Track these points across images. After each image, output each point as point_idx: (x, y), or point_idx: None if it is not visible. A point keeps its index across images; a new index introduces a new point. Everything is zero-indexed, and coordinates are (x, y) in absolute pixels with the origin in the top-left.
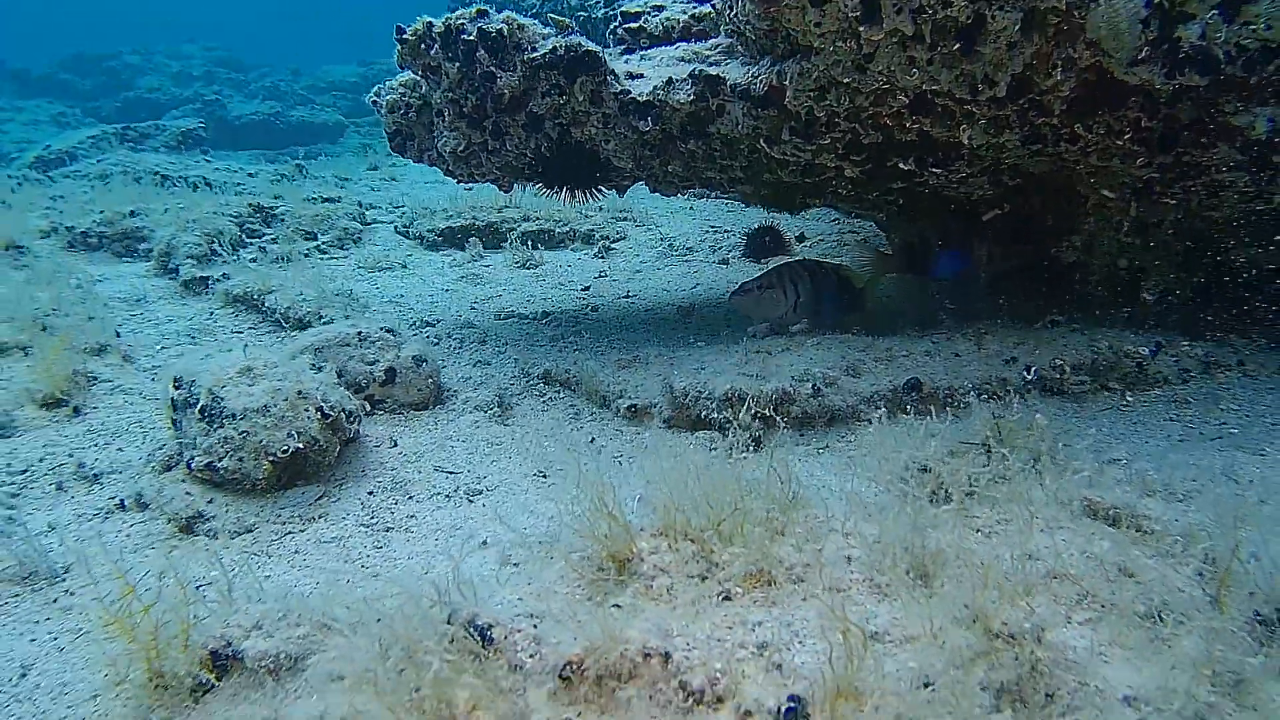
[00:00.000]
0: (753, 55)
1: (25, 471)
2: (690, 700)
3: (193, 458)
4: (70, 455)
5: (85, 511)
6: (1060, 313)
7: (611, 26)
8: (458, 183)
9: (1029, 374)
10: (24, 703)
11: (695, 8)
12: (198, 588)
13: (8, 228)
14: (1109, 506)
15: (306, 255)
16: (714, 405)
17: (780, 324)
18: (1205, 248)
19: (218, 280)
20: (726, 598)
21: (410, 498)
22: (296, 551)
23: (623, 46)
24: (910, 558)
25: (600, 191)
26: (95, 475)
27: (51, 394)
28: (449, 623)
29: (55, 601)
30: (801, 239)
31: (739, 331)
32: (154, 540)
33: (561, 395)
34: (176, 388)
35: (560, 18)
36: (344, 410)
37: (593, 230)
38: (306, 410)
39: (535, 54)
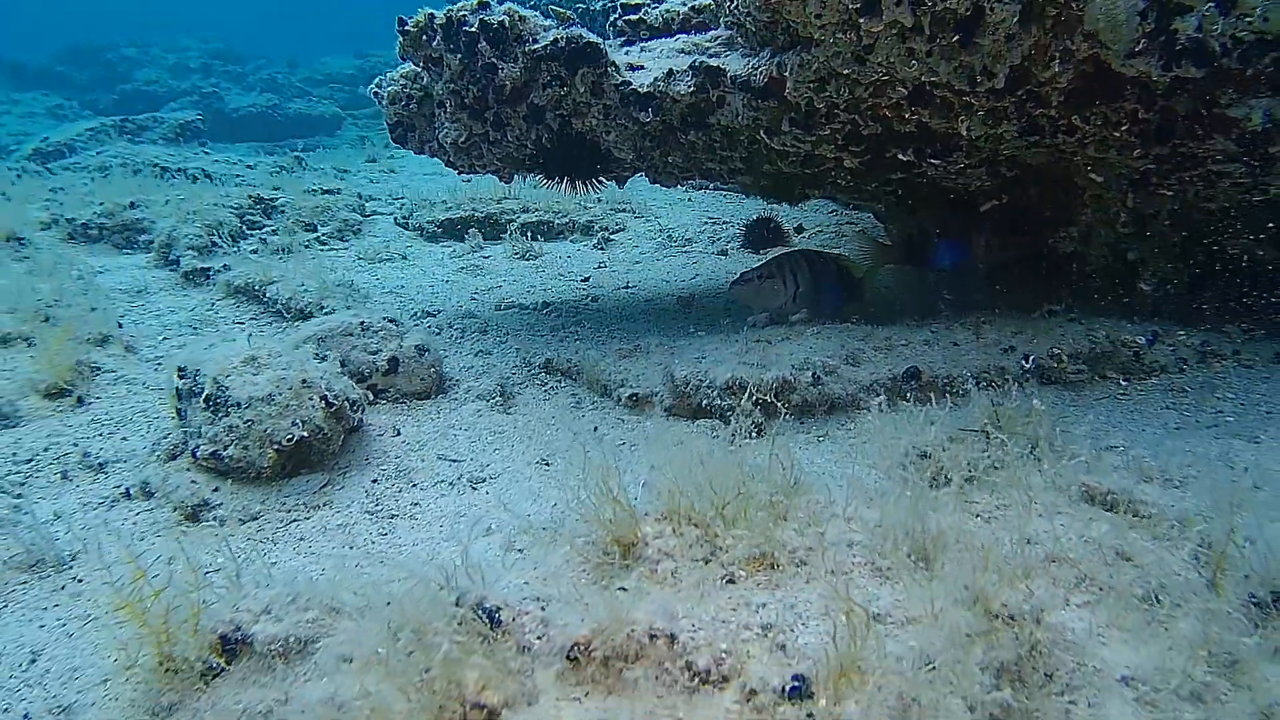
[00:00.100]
0: (753, 47)
1: (30, 461)
2: (696, 680)
3: (198, 446)
4: (75, 444)
5: (91, 500)
6: (1058, 303)
7: (611, 19)
8: (459, 174)
9: (1027, 363)
10: (34, 687)
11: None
12: (205, 574)
13: (8, 220)
14: (1106, 492)
15: (307, 247)
16: (715, 393)
17: (780, 314)
18: (1201, 238)
19: (219, 271)
20: (730, 581)
21: (414, 485)
22: (302, 539)
23: (623, 38)
24: (911, 541)
25: (601, 182)
26: (100, 464)
27: (55, 384)
28: (457, 605)
29: (63, 588)
30: (800, 230)
31: (739, 321)
32: (160, 528)
33: (563, 384)
34: (181, 377)
35: (561, 9)
36: (348, 399)
37: (592, 221)
38: (311, 399)
39: (537, 46)
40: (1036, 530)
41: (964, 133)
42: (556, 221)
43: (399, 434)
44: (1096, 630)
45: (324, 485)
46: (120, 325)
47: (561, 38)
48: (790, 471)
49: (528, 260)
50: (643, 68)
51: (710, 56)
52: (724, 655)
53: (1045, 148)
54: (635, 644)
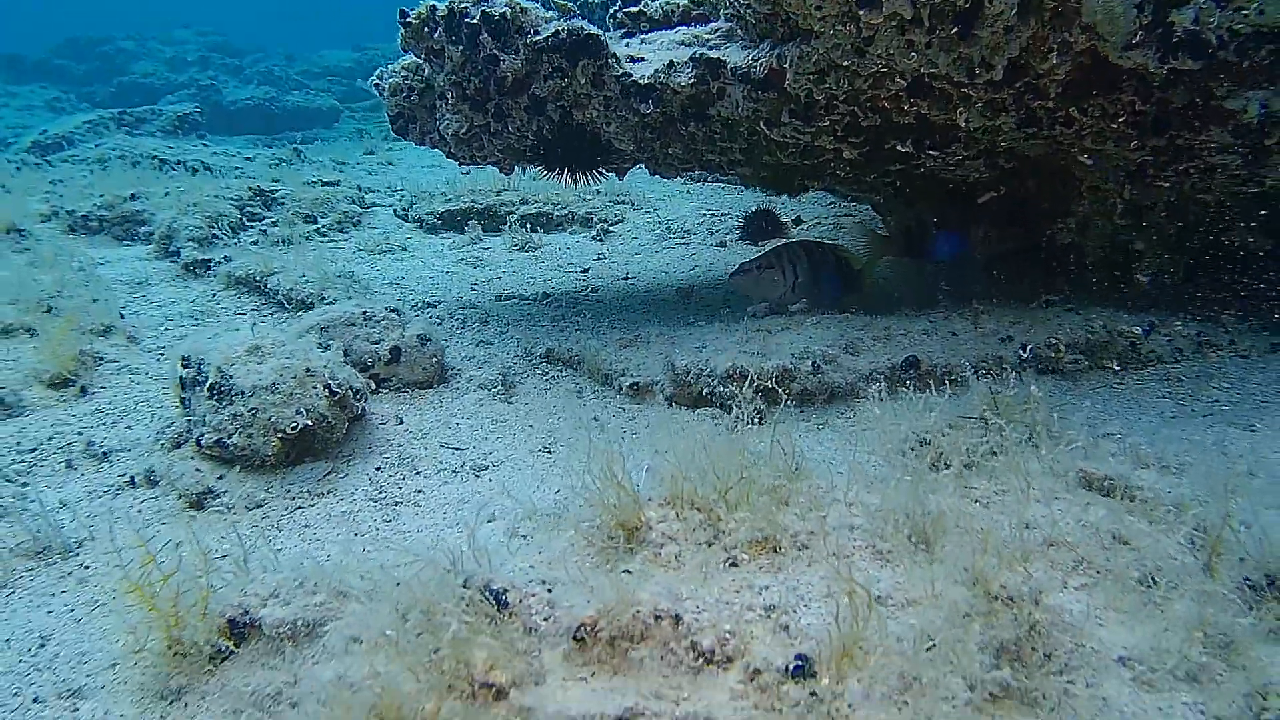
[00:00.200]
0: (752, 39)
1: (35, 450)
2: (701, 660)
3: (202, 434)
4: (79, 434)
5: (96, 489)
6: (1055, 293)
7: (611, 11)
8: (460, 165)
9: (1025, 352)
10: (44, 671)
11: None
12: (212, 560)
13: (8, 212)
14: (1103, 477)
15: (307, 238)
16: (716, 382)
17: (779, 304)
18: (1198, 229)
19: (219, 263)
20: (733, 564)
21: (417, 473)
22: (307, 526)
23: (623, 30)
24: (911, 525)
25: (601, 174)
26: (104, 453)
27: (59, 374)
28: (465, 587)
29: (70, 575)
30: (798, 222)
31: (738, 312)
32: (165, 516)
33: (564, 374)
34: (185, 366)
35: (562, 1)
36: (351, 388)
37: (591, 213)
38: (314, 388)
39: (538, 37)
40: (1034, 515)
41: (962, 124)
42: (555, 213)
43: (402, 422)
44: (1094, 612)
45: (328, 473)
46: (122, 316)
47: (563, 30)
48: (792, 457)
49: (527, 252)
50: (643, 60)
51: (710, 48)
52: (728, 636)
53: (1043, 139)
54: (641, 625)
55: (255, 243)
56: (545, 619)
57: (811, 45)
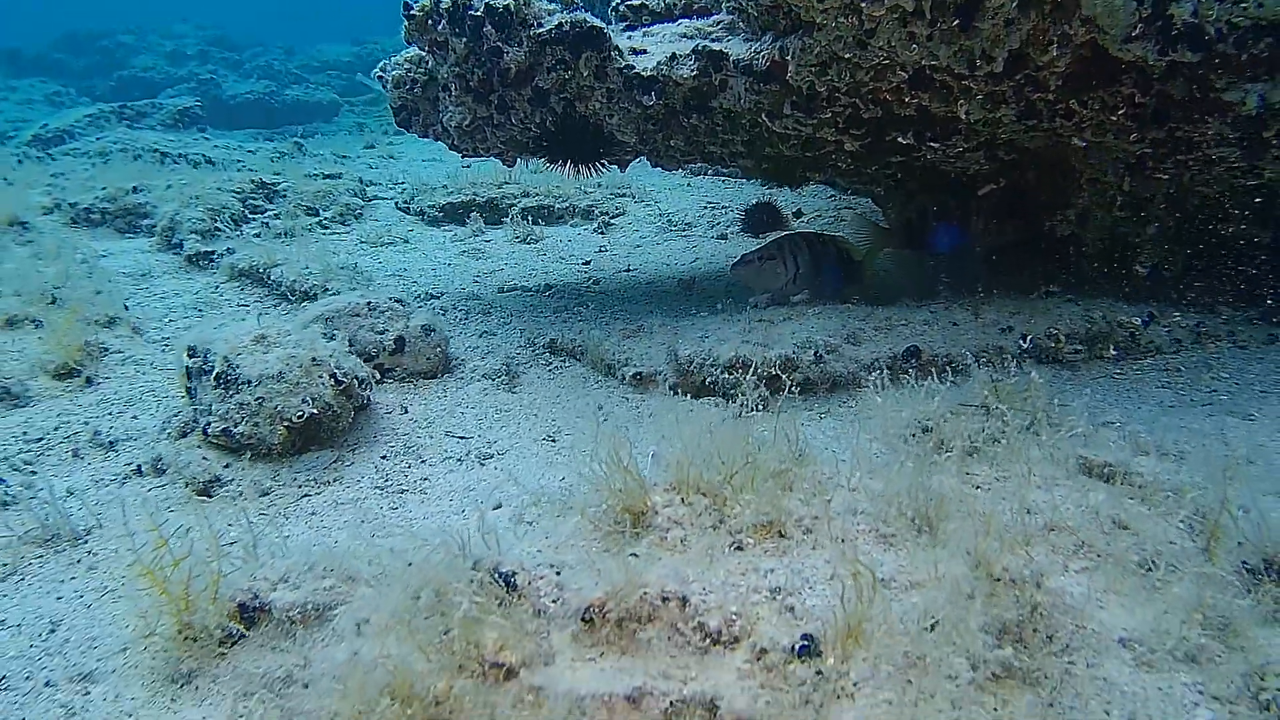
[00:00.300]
0: (754, 31)
1: (41, 440)
2: (708, 641)
3: (209, 423)
4: (85, 423)
5: (103, 477)
6: (1055, 284)
7: (614, 3)
8: (462, 157)
9: (1025, 342)
10: (55, 656)
11: None
12: (220, 547)
13: (11, 204)
14: (1103, 464)
15: (309, 231)
16: (719, 371)
17: (781, 295)
18: (1197, 221)
19: (222, 255)
20: (739, 548)
21: (423, 461)
22: (313, 513)
23: (625, 23)
24: (914, 509)
25: (604, 166)
26: (111, 442)
27: (64, 364)
28: (474, 570)
29: (79, 562)
30: (798, 215)
31: (740, 303)
32: (172, 503)
33: (567, 364)
34: (191, 356)
35: None
36: (356, 377)
37: (592, 206)
38: (320, 377)
39: (541, 29)
40: (1036, 500)
41: (963, 116)
42: (557, 206)
43: (406, 412)
44: (1095, 594)
45: (334, 461)
46: (126, 307)
47: (566, 22)
48: (796, 443)
49: (529, 244)
50: (645, 52)
51: (712, 41)
52: (734, 617)
53: (1043, 131)
54: (648, 606)
55: (258, 235)
56: (554, 601)
57: (813, 37)
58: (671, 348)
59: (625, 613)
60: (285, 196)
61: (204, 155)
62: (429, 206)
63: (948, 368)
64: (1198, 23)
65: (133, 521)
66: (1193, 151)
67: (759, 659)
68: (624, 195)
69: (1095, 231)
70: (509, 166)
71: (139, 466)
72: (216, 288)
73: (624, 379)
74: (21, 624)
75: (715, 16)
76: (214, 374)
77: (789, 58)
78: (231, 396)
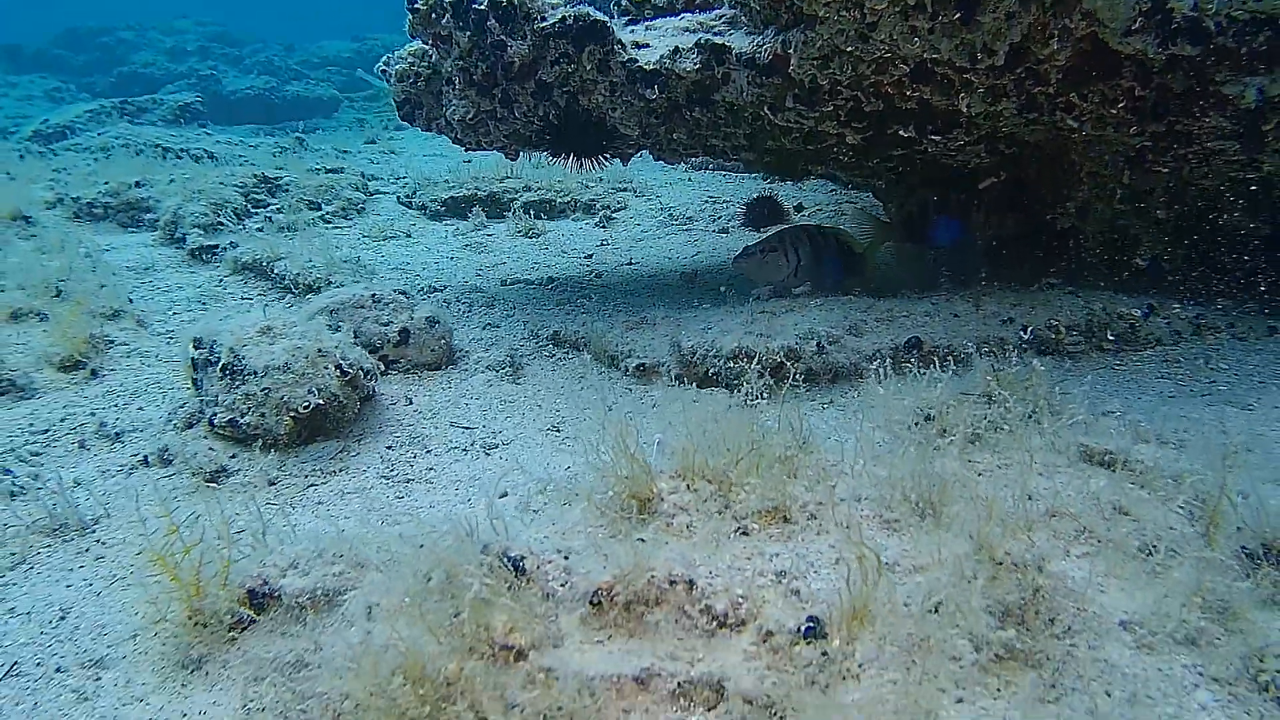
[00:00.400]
0: (756, 25)
1: (47, 431)
2: (715, 624)
3: (215, 414)
4: (91, 415)
5: (109, 468)
6: (1055, 276)
7: None
8: (465, 151)
9: (1025, 333)
10: (65, 642)
11: None
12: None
13: (14, 199)
14: (1104, 451)
15: (311, 225)
16: (722, 362)
17: (782, 287)
18: (1196, 214)
19: (225, 249)
20: (744, 533)
21: (428, 451)
22: (320, 502)
23: (627, 17)
24: (917, 495)
25: (606, 159)
26: (117, 434)
27: (70, 357)
28: (483, 554)
29: (87, 551)
30: (800, 209)
31: (742, 296)
32: (179, 493)
33: (571, 355)
34: (197, 347)
35: None
36: (361, 368)
37: (594, 200)
38: (326, 368)
39: (545, 23)
40: (1037, 487)
41: (964, 110)
42: (558, 200)
43: (411, 403)
44: (1096, 579)
45: (340, 451)
46: (130, 301)
47: (569, 15)
48: (800, 431)
49: (531, 238)
50: (648, 46)
51: (715, 34)
52: (740, 600)
53: (1044, 125)
54: (656, 589)
55: (260, 229)
56: (562, 584)
57: (816, 31)
58: (674, 339)
59: (633, 596)
60: (288, 191)
61: (206, 150)
62: (431, 201)
63: (949, 358)
64: (1197, 16)
65: (142, 510)
66: (1192, 145)
67: (765, 641)
68: (625, 189)
69: (1095, 224)
70: (512, 160)
71: (145, 457)
72: (220, 281)
73: (627, 370)
74: (31, 612)
75: (717, 10)
76: (220, 365)
77: (791, 51)
78: (238, 387)
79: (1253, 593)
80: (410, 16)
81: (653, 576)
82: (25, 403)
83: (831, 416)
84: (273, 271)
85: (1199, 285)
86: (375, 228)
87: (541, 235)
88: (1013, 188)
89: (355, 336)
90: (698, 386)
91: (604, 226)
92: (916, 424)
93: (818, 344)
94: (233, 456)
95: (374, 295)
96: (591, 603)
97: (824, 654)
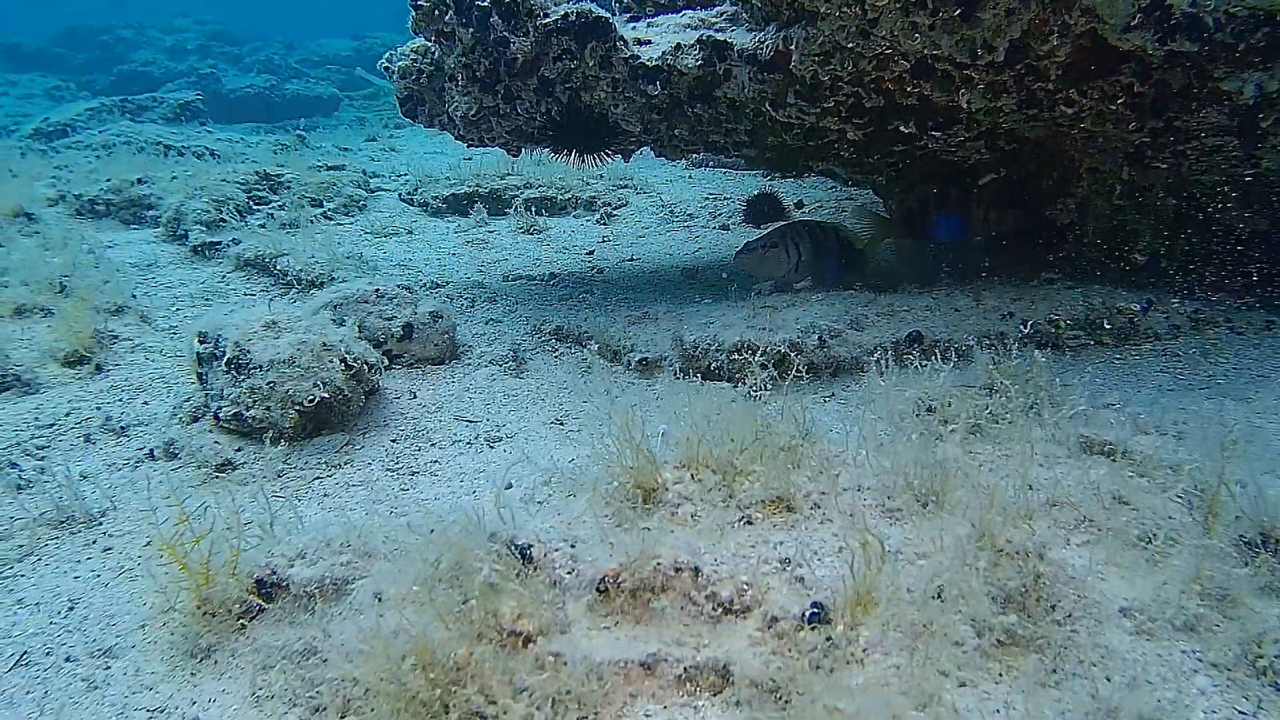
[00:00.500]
0: (758, 22)
1: (53, 425)
2: (720, 610)
3: (220, 408)
4: (97, 409)
5: (115, 462)
6: (1055, 271)
7: None
8: (468, 147)
9: (1026, 328)
10: (74, 632)
11: None
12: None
13: (16, 196)
14: (1103, 442)
15: (313, 222)
16: (724, 356)
17: (783, 282)
18: (1195, 210)
19: (228, 245)
20: (748, 522)
21: (433, 444)
22: (326, 495)
23: (628, 14)
24: (920, 484)
25: (608, 155)
26: (122, 428)
27: (74, 352)
28: (491, 542)
29: (94, 543)
30: (800, 205)
31: (743, 291)
32: (185, 487)
33: (573, 350)
34: (202, 342)
35: None
36: (366, 362)
37: (595, 197)
38: (331, 361)
39: (547, 19)
40: (1038, 476)
41: (964, 106)
42: (559, 197)
43: (415, 397)
44: (1096, 566)
45: (345, 445)
46: (134, 297)
47: (572, 12)
48: (803, 423)
49: (532, 235)
50: (650, 42)
51: (716, 31)
52: (745, 586)
53: (1043, 121)
54: (661, 576)
55: (263, 226)
56: (569, 572)
57: (817, 27)
58: (677, 334)
59: (639, 583)
60: (289, 188)
61: (207, 148)
62: (432, 198)
63: (950, 352)
64: (1196, 12)
65: (151, 501)
66: (1191, 141)
67: (770, 627)
68: (626, 186)
69: (1095, 220)
70: (514, 156)
71: (151, 451)
72: (223, 277)
73: (630, 365)
74: (40, 602)
75: (719, 7)
76: (225, 359)
77: (793, 47)
78: (243, 381)
79: (1251, 580)
80: (413, 13)
81: (659, 564)
82: (31, 397)
83: (834, 409)
84: (275, 268)
85: (1196, 279)
86: (377, 224)
87: (543, 232)
88: (1013, 184)
89: (359, 331)
90: (701, 380)
91: (605, 223)
92: (918, 415)
93: (819, 338)
94: (238, 450)
95: (378, 290)
96: (598, 590)
97: (828, 639)
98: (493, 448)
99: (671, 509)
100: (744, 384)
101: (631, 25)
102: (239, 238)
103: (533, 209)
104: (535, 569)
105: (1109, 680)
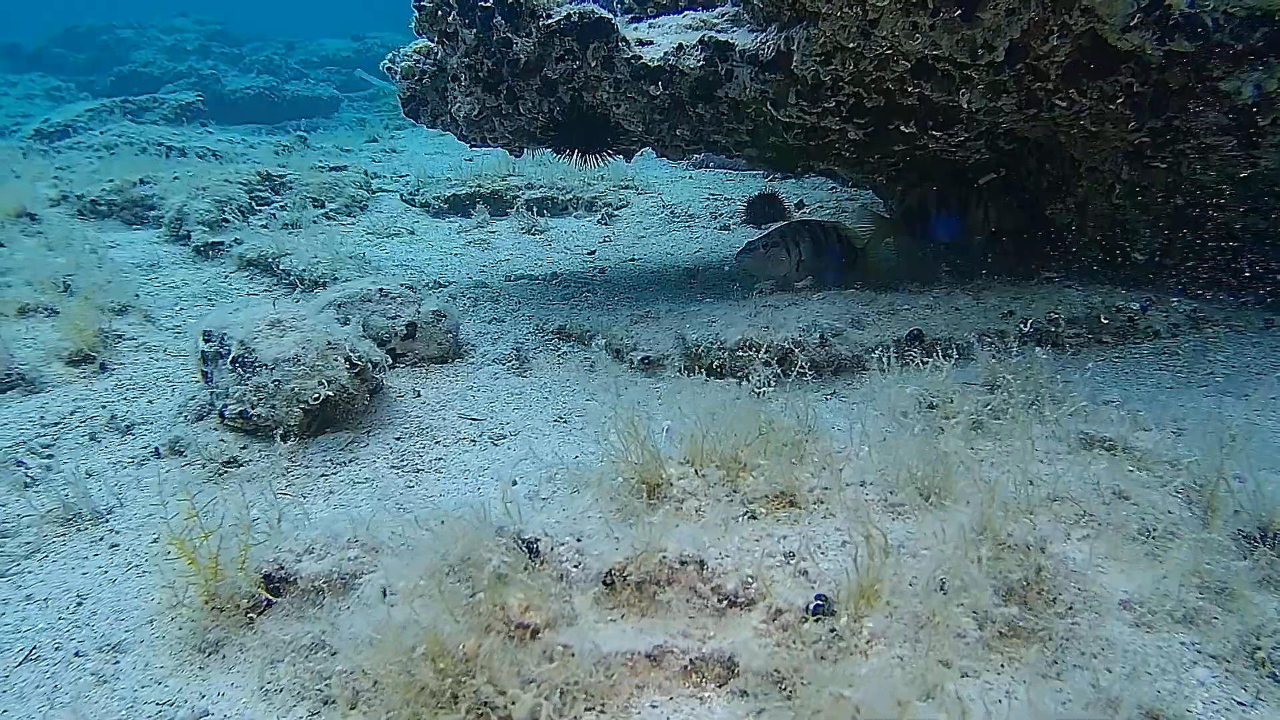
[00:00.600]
0: (759, 22)
1: (58, 424)
2: (725, 602)
3: (226, 406)
4: (102, 408)
5: (121, 460)
6: (1055, 270)
7: None
8: (470, 147)
9: (1025, 326)
10: (83, 627)
11: None
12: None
13: (19, 196)
14: (1104, 438)
15: (315, 222)
16: (726, 355)
17: (784, 282)
18: (1194, 209)
19: (230, 245)
20: (753, 516)
21: (437, 442)
22: (331, 491)
23: (630, 15)
24: (922, 479)
25: (610, 155)
26: (127, 426)
27: (79, 351)
28: (498, 536)
29: (102, 540)
30: (800, 206)
31: (744, 291)
32: (191, 484)
33: (576, 349)
34: (207, 340)
35: None
36: (370, 361)
37: (596, 198)
38: (336, 360)
39: (550, 20)
40: (1039, 472)
41: (965, 105)
42: (561, 198)
43: (419, 395)
44: (1096, 560)
45: (350, 442)
46: (137, 296)
47: (574, 13)
48: (806, 419)
49: (534, 235)
50: (652, 43)
51: (718, 31)
52: (750, 579)
53: (1043, 121)
54: (667, 570)
55: (265, 226)
56: (576, 566)
57: (818, 28)
58: (679, 332)
59: (645, 576)
60: (291, 188)
61: (208, 148)
62: (434, 199)
63: (951, 350)
64: (1195, 13)
65: (160, 497)
66: (1190, 140)
67: (775, 619)
68: (627, 187)
69: (1094, 219)
70: (516, 157)
71: (157, 449)
72: (226, 277)
73: (633, 363)
74: (49, 598)
75: (720, 8)
76: (231, 357)
77: (794, 48)
78: (248, 379)
79: (1250, 573)
80: (417, 14)
81: (664, 557)
82: (36, 396)
83: (835, 406)
84: (278, 268)
85: (1194, 278)
86: (379, 225)
87: (545, 232)
88: (1012, 183)
89: (363, 330)
90: (705, 377)
91: (606, 223)
92: (919, 411)
93: (820, 336)
94: (244, 448)
95: (381, 289)
96: (605, 583)
97: (832, 631)
98: (497, 445)
99: (676, 504)
100: (747, 381)
101: (633, 26)
102: (241, 238)
103: (534, 209)
104: (542, 563)
105: (1109, 671)
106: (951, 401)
